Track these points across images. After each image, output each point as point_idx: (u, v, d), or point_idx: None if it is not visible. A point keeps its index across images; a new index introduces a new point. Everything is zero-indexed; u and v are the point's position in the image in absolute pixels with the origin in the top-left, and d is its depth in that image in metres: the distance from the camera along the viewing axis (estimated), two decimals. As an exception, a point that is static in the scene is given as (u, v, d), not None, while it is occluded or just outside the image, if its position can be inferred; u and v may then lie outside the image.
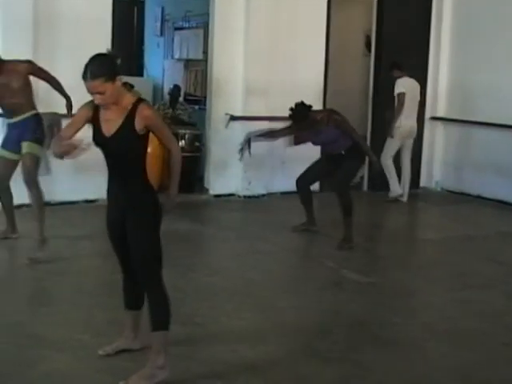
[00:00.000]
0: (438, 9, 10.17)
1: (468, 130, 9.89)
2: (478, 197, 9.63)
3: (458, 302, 5.55)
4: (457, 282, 6.10)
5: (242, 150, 7.17)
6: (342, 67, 10.63)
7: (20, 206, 7.11)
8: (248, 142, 7.16)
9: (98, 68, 3.67)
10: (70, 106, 6.35)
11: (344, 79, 10.74)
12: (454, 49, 10.14)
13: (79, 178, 6.26)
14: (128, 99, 3.75)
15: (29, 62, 6.28)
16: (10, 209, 6.54)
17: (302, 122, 6.86)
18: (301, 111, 6.82)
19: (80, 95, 6.22)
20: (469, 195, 9.77)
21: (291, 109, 6.86)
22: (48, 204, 6.49)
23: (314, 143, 7.21)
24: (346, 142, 6.85)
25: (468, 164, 9.90)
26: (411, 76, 9.28)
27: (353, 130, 6.87)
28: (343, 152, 6.91)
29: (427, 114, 10.30)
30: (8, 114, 6.25)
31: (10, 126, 6.22)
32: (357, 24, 10.98)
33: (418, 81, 9.40)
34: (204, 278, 5.85)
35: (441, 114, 10.31)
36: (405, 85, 9.19)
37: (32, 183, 6.08)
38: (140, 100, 3.77)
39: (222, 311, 5.05)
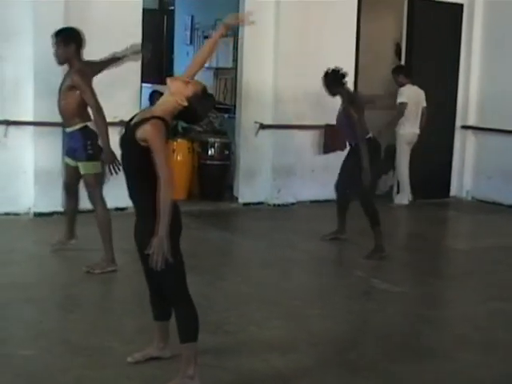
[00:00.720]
0: (468, 17, 10.10)
1: (499, 138, 9.80)
2: (511, 206, 9.52)
3: (490, 312, 5.48)
4: (489, 292, 6.02)
5: None
6: (372, 75, 10.58)
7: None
8: None
9: None
10: (109, 158, 5.71)
11: (374, 87, 10.68)
12: (485, 57, 10.07)
13: (110, 184, 6.28)
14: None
15: (81, 75, 5.74)
16: (73, 214, 6.35)
17: (332, 84, 7.00)
18: (334, 74, 7.00)
19: (108, 102, 6.26)
20: (500, 205, 9.66)
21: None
22: (80, 211, 6.48)
23: (336, 123, 7.20)
24: (354, 136, 6.78)
25: (499, 173, 9.79)
26: (414, 83, 9.31)
27: (359, 129, 6.65)
28: (353, 145, 6.88)
29: (458, 123, 10.24)
30: (62, 120, 6.08)
31: (66, 135, 6.09)
32: (387, 32, 10.92)
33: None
34: (233, 286, 5.84)
35: (471, 122, 10.23)
36: (408, 93, 9.24)
37: (94, 202, 5.96)
38: (155, 117, 3.79)
39: (252, 320, 5.03)
